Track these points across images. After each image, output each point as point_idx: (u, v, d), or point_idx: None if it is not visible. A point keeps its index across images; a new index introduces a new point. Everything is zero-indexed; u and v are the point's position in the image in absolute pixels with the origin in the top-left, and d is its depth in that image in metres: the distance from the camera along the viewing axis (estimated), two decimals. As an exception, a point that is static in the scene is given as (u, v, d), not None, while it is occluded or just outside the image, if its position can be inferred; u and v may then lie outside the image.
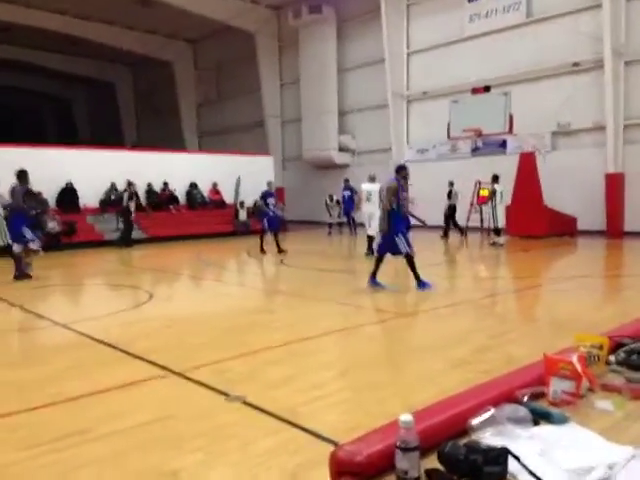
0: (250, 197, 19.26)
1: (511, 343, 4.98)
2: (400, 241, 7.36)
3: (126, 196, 15.23)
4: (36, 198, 14.98)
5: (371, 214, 11.26)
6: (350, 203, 16.73)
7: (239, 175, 19.32)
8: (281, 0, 22.05)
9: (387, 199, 7.36)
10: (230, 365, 4.37)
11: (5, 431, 3.20)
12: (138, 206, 16.41)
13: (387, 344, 5.09)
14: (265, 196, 12.62)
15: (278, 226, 12.89)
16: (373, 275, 7.75)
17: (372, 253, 11.16)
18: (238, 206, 18.78)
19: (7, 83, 31.79)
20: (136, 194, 15.96)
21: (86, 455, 2.88)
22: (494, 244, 12.89)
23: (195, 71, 27.81)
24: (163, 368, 4.27)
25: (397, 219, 7.42)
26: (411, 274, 7.54)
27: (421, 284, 7.47)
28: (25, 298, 8.22)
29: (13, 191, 9.33)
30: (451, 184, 15.74)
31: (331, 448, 2.77)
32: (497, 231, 13.17)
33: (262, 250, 12.42)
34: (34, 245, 9.43)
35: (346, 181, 17.29)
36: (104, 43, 25.14)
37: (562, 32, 15.17)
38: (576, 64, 15.05)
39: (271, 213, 12.44)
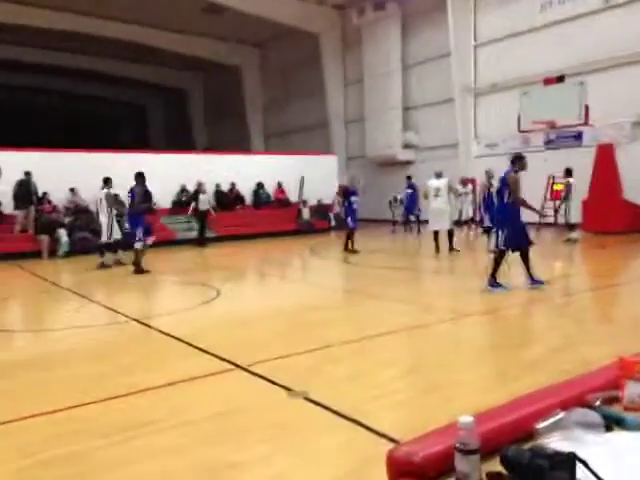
0: (314, 196, 19.45)
1: (587, 344, 4.73)
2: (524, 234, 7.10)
3: (203, 197, 15.63)
4: (116, 200, 15.86)
5: (440, 210, 11.13)
6: (412, 201, 16.40)
7: (302, 175, 19.51)
8: (345, 0, 22.06)
9: (515, 191, 6.93)
10: (294, 361, 4.42)
11: (81, 421, 3.39)
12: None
13: (454, 344, 4.96)
14: (348, 194, 12.15)
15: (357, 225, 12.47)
16: (493, 276, 7.07)
17: (452, 249, 11.26)
18: (301, 205, 18.96)
19: (87, 92, 33.77)
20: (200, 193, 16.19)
21: (156, 444, 3.00)
22: (568, 240, 12.26)
23: (261, 74, 28.36)
24: (229, 362, 4.38)
25: (516, 212, 7.04)
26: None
27: (534, 280, 7.08)
28: (102, 294, 8.70)
29: (132, 192, 10.25)
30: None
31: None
32: (571, 226, 12.52)
33: (348, 249, 11.94)
34: (138, 245, 10.27)
35: (408, 178, 16.89)
36: (176, 51, 26.13)
37: (639, 18, 14.24)
38: (658, 50, 14.09)
39: (354, 211, 12.04)
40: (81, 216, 14.87)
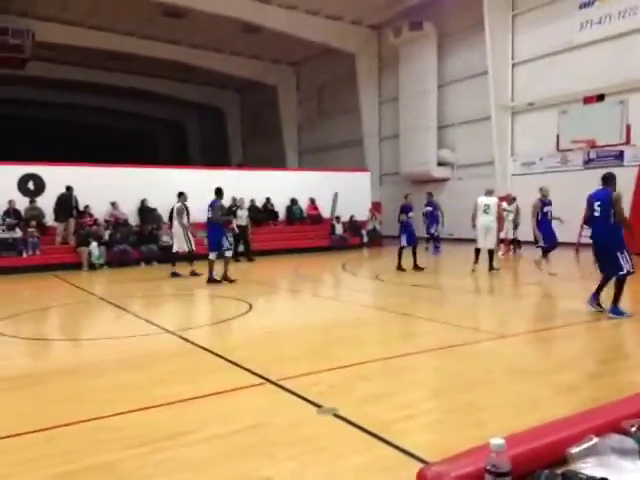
0: (347, 212, 19.47)
1: (625, 370, 4.59)
2: (624, 257, 6.60)
3: (241, 212, 15.40)
4: (152, 214, 16.25)
5: (488, 227, 11.28)
6: (432, 219, 15.87)
7: (336, 191, 19.58)
8: (381, 19, 22.25)
9: (619, 209, 6.56)
10: (324, 377, 4.41)
11: (113, 430, 3.45)
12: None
13: (487, 365, 4.87)
14: (405, 210, 12.04)
15: (416, 241, 12.31)
16: (616, 302, 6.67)
17: (492, 268, 11.22)
18: (334, 221, 19.01)
19: (125, 109, 34.83)
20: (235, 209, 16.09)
21: (187, 456, 3.04)
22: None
23: (297, 93, 28.74)
24: (260, 376, 4.41)
25: (620, 232, 6.64)
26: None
27: (617, 310, 6.61)
28: (137, 306, 8.88)
29: (213, 205, 10.92)
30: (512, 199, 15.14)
31: (423, 468, 2.73)
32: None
33: (400, 267, 11.81)
34: (229, 253, 10.95)
35: (429, 195, 16.34)
36: (214, 69, 26.77)
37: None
38: (703, 67, 13.70)
39: (410, 228, 11.94)
40: (120, 229, 15.27)
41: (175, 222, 12.11)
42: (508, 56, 18.52)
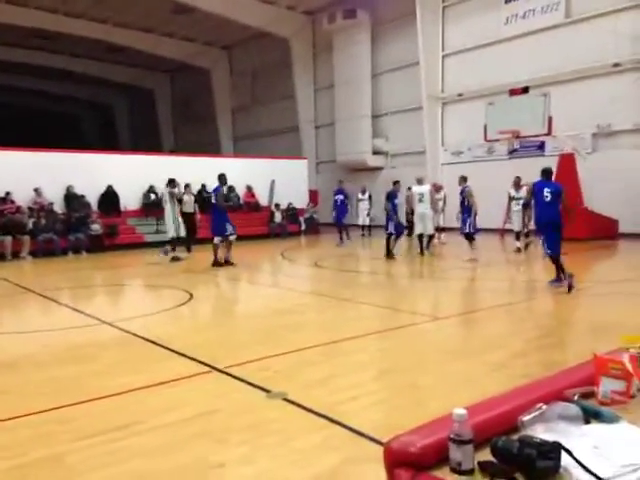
0: (285, 200, 19.47)
1: (550, 348, 4.92)
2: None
3: (187, 198, 14.24)
4: (79, 201, 15.55)
5: (424, 215, 11.71)
6: (342, 208, 15.48)
7: (273, 178, 19.52)
8: (316, 6, 22.22)
9: (565, 198, 7.91)
10: (271, 363, 4.45)
11: (58, 423, 3.35)
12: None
13: (424, 347, 5.09)
14: (391, 197, 11.84)
15: (401, 231, 12.28)
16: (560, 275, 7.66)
17: (422, 253, 11.72)
18: (273, 208, 18.97)
19: (48, 90, 32.94)
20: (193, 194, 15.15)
21: (136, 447, 3.00)
22: (516, 251, 12.21)
23: (231, 77, 28.23)
24: (206, 365, 4.39)
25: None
26: None
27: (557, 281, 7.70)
28: (69, 297, 8.53)
29: (216, 191, 11.12)
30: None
31: (372, 446, 2.84)
32: (517, 235, 12.45)
33: (390, 255, 11.58)
34: (233, 237, 11.14)
35: (340, 182, 16.08)
36: (143, 51, 25.80)
37: (602, 32, 14.82)
38: (616, 65, 14.68)
39: (395, 216, 11.72)
40: (45, 216, 14.51)
41: (166, 207, 12.49)
42: (439, 47, 19.06)
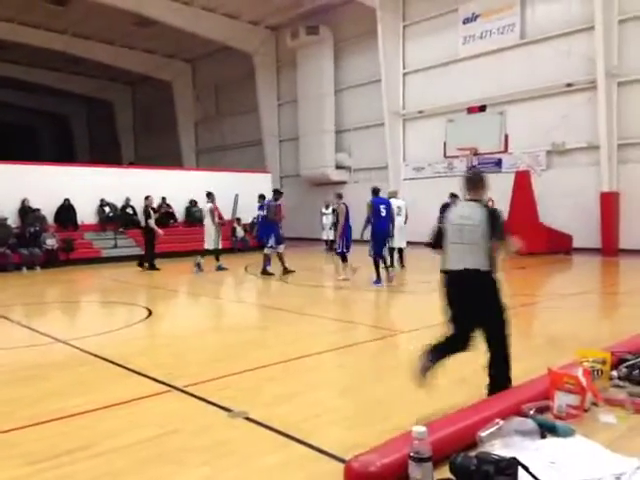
0: (249, 214, 19.33)
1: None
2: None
3: (143, 214, 13.70)
4: (34, 214, 15.05)
5: (401, 228, 11.89)
6: (264, 225, 13.16)
7: (237, 192, 19.38)
8: (279, 21, 22.37)
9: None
10: (232, 381, 4.38)
11: (7, 447, 3.20)
12: (132, 222, 16.30)
13: (386, 361, 5.10)
14: (442, 210, 11.35)
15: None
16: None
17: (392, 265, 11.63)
18: (235, 223, 18.80)
19: (3, 99, 31.93)
20: (153, 209, 14.44)
21: (90, 471, 2.88)
22: None
23: (193, 90, 28.05)
24: (165, 384, 4.28)
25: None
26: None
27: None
28: (21, 314, 8.21)
29: (268, 205, 11.92)
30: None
31: (335, 464, 2.81)
32: None
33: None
34: (281, 248, 11.80)
35: (261, 198, 13.44)
36: (103, 62, 25.38)
37: (556, 53, 15.43)
38: (570, 84, 15.29)
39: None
40: (-3, 230, 13.98)
41: (206, 221, 13.07)
42: (399, 65, 19.45)
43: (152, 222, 13.39)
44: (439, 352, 3.66)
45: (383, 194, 11.62)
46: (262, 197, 13.31)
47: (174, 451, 3.10)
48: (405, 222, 13.87)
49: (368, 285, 9.86)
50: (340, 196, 11.27)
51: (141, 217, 13.78)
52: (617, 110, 14.56)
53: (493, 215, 3.65)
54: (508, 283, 10.34)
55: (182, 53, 26.48)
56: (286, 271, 11.61)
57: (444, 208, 10.28)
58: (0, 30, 21.36)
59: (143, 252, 13.88)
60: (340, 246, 10.82)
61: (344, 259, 10.68)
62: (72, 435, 3.36)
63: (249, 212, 19.27)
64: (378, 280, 9.62)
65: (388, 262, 12.06)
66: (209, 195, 13.06)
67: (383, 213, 9.60)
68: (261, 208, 13.54)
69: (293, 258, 12.89)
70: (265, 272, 11.59)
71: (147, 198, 13.61)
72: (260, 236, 12.20)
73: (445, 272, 3.81)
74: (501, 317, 3.63)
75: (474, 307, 3.63)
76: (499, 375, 3.32)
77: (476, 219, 3.60)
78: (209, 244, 12.96)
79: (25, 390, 4.30)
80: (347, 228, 10.96)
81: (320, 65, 21.15)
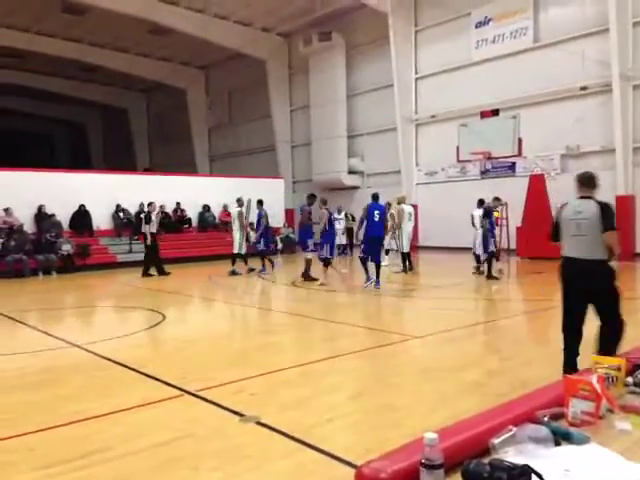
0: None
1: (524, 366, 4.96)
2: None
3: (143, 219, 13.48)
4: (50, 220, 15.25)
5: (410, 233, 12.13)
6: (265, 230, 13.65)
7: (249, 198, 19.48)
8: (291, 28, 22.50)
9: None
10: (244, 386, 4.38)
11: (23, 450, 3.23)
12: (162, 226, 16.36)
13: (400, 366, 5.07)
14: (490, 214, 11.24)
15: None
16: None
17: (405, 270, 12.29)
18: (248, 228, 18.86)
19: (21, 109, 32.46)
20: (156, 214, 14.44)
21: (104, 475, 2.90)
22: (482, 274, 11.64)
23: (207, 97, 28.29)
24: (178, 388, 4.30)
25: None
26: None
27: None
28: (37, 319, 8.30)
29: (302, 209, 12.02)
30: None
31: (347, 469, 2.80)
32: (477, 258, 11.96)
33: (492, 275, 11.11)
34: (309, 255, 11.59)
35: (324, 203, 12.11)
36: (118, 70, 25.69)
37: (569, 56, 15.31)
38: (584, 88, 15.16)
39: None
40: (15, 237, 14.17)
41: (234, 226, 13.35)
42: (412, 70, 19.44)
43: (148, 228, 13.18)
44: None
45: (392, 200, 11.82)
46: (260, 202, 13.58)
47: (187, 456, 3.11)
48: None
49: (382, 290, 9.84)
50: (324, 202, 11.48)
51: (143, 223, 13.51)
52: (632, 113, 14.40)
53: (605, 208, 4.19)
54: (524, 288, 10.29)
55: (196, 60, 26.72)
56: (307, 278, 11.39)
57: (486, 212, 11.14)
58: (17, 39, 21.72)
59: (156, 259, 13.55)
60: (324, 252, 11.15)
61: (326, 264, 10.91)
62: (87, 439, 3.39)
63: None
64: (368, 279, 9.92)
65: (399, 268, 12.19)
66: (239, 200, 13.40)
67: (376, 218, 9.85)
68: (259, 215, 13.80)
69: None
70: (308, 277, 11.32)
71: (150, 205, 13.65)
72: (301, 241, 12.18)
73: (566, 260, 4.56)
74: (617, 296, 4.26)
75: (593, 291, 4.30)
76: (613, 339, 3.97)
77: (590, 213, 4.18)
78: (236, 248, 13.25)
79: (41, 394, 4.35)
80: (331, 234, 11.42)
81: (332, 71, 21.22)
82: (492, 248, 11.02)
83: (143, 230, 13.33)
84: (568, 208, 4.51)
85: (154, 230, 13.42)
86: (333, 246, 11.54)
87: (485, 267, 11.24)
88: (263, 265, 13.51)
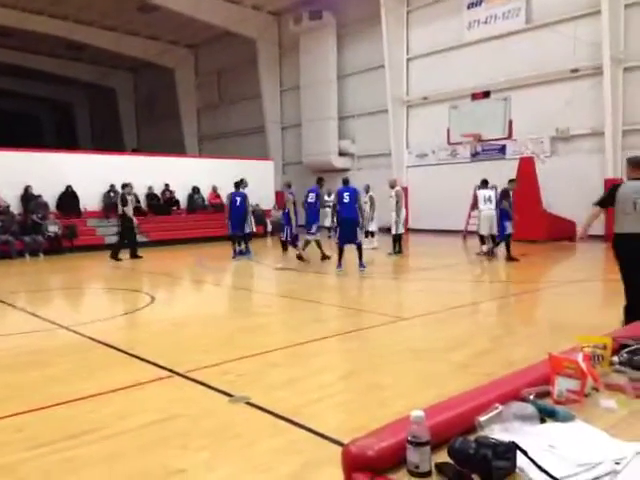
0: (251, 201, 19.32)
1: (511, 346, 5.02)
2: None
3: (119, 201, 13.17)
4: (36, 201, 15.08)
5: (490, 216, 11.64)
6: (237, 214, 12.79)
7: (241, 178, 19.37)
8: (282, 6, 22.17)
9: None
10: (233, 367, 4.40)
11: (12, 431, 3.23)
12: (136, 209, 16.31)
13: (388, 347, 5.11)
14: (504, 196, 11.19)
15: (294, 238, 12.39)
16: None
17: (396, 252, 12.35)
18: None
19: (6, 87, 31.86)
20: (134, 197, 14.78)
21: (93, 454, 2.91)
22: (479, 254, 12.04)
23: (196, 77, 27.91)
24: (167, 369, 4.31)
25: None
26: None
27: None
28: (25, 301, 8.25)
29: (317, 193, 11.75)
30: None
31: (335, 448, 2.82)
32: (481, 239, 12.09)
33: (511, 256, 11.09)
34: (310, 237, 11.69)
35: (288, 186, 13.17)
36: (105, 48, 25.24)
37: (561, 38, 15.25)
38: (575, 70, 15.14)
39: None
40: (1, 218, 14.00)
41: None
42: (403, 51, 19.28)
43: (124, 209, 12.92)
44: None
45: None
46: (237, 185, 12.93)
47: (176, 435, 3.12)
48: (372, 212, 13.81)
49: (376, 273, 9.89)
50: (289, 185, 11.55)
51: (118, 204, 13.20)
52: (622, 96, 14.43)
53: None
54: (510, 270, 10.37)
55: (184, 39, 26.30)
56: (324, 257, 11.57)
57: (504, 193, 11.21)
58: (2, 16, 21.21)
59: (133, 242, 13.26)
60: (285, 235, 11.56)
61: (285, 247, 11.04)
62: (76, 419, 3.39)
63: (251, 199, 19.29)
64: (339, 265, 9.92)
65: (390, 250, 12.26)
66: (241, 181, 13.12)
67: (346, 200, 9.92)
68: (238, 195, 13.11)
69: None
70: (325, 257, 11.51)
71: (125, 186, 13.37)
72: (309, 222, 11.78)
73: (625, 236, 5.08)
74: None
75: None
76: None
77: None
78: (247, 228, 12.90)
79: (29, 375, 4.34)
80: (289, 218, 11.84)
81: (323, 51, 20.99)
82: (510, 230, 11.05)
83: (120, 212, 13.00)
84: (627, 187, 5.05)
85: (130, 212, 13.09)
86: (292, 229, 12.01)
87: (498, 249, 11.49)
88: (246, 248, 13.07)
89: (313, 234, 11.58)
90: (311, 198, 11.61)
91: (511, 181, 11.60)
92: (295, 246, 12.17)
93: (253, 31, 22.78)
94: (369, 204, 13.47)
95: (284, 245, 11.90)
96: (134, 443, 3.04)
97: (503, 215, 11.11)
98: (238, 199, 12.60)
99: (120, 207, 12.91)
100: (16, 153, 15.65)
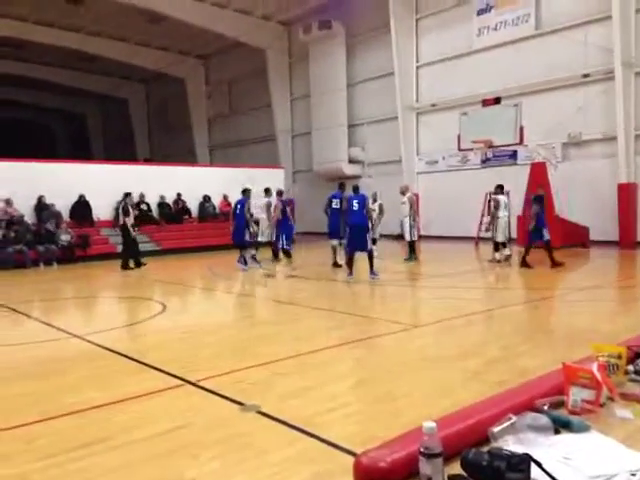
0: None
1: (524, 355, 4.95)
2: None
3: (121, 211, 12.93)
4: (49, 210, 15.23)
5: (507, 222, 11.86)
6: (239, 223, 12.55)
7: (250, 188, 19.43)
8: (291, 16, 22.33)
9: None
10: (244, 375, 4.39)
11: (24, 441, 3.24)
12: (147, 218, 16.36)
13: (400, 355, 5.07)
14: (539, 202, 10.99)
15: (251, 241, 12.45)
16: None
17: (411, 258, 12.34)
18: (247, 217, 18.82)
19: (21, 99, 32.36)
20: (136, 206, 14.80)
21: (105, 464, 2.90)
22: (492, 261, 11.97)
23: (207, 87, 28.16)
24: (179, 378, 4.31)
25: None
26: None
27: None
28: (38, 310, 8.32)
29: (341, 198, 11.55)
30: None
31: (347, 458, 2.79)
32: (495, 245, 12.02)
33: (555, 263, 10.88)
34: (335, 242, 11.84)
35: (279, 194, 13.13)
36: (117, 60, 25.56)
37: (572, 43, 15.19)
38: (586, 75, 15.05)
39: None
40: (15, 228, 14.16)
41: (263, 216, 13.04)
42: (413, 58, 19.30)
43: (126, 220, 12.78)
44: None
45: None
46: (243, 193, 12.61)
47: (187, 445, 3.12)
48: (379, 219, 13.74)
49: (386, 279, 9.84)
50: (280, 193, 11.59)
51: (120, 214, 13.05)
52: (634, 100, 14.31)
53: None
54: (524, 277, 10.27)
55: (195, 50, 26.57)
56: (336, 265, 11.64)
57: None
58: (15, 29, 21.59)
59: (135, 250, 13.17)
60: (278, 242, 11.52)
61: (276, 255, 11.00)
62: (87, 429, 3.39)
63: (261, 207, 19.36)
64: (350, 273, 9.90)
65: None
66: (267, 191, 12.93)
67: (355, 207, 9.90)
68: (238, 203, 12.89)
69: (306, 252, 12.92)
70: (336, 264, 11.60)
71: (127, 195, 13.33)
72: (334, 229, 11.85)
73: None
74: None
75: None
76: None
77: None
78: (261, 237, 13.00)
79: (41, 384, 4.36)
80: (285, 224, 11.74)
81: (333, 59, 21.08)
82: (548, 236, 10.84)
83: (121, 222, 12.87)
84: None
85: (132, 221, 13.00)
86: (289, 236, 11.94)
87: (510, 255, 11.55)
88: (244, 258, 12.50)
89: (340, 239, 11.48)
90: (335, 204, 11.54)
91: (539, 187, 11.82)
92: (277, 255, 12.22)
93: (263, 41, 22.95)
94: (377, 212, 13.38)
95: (276, 253, 11.87)
96: (146, 452, 3.03)
97: (540, 221, 10.89)
98: (238, 207, 12.42)
99: (122, 217, 12.76)
100: (30, 164, 15.84)
